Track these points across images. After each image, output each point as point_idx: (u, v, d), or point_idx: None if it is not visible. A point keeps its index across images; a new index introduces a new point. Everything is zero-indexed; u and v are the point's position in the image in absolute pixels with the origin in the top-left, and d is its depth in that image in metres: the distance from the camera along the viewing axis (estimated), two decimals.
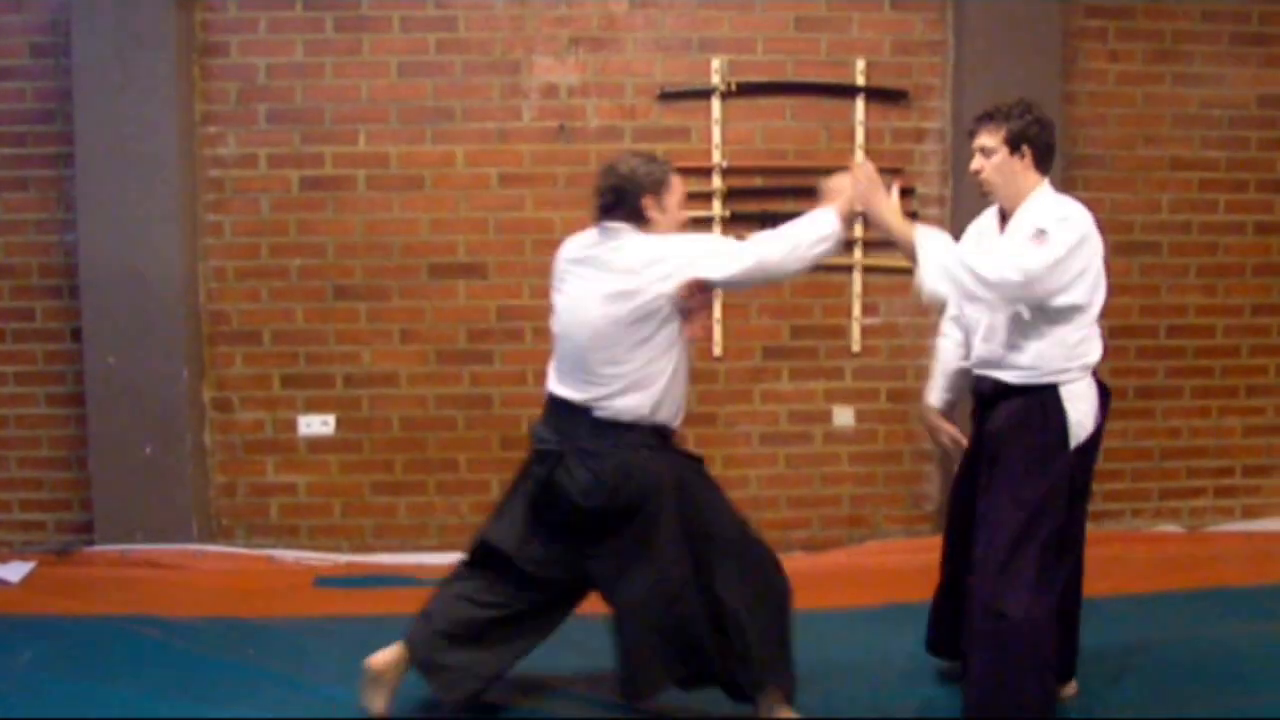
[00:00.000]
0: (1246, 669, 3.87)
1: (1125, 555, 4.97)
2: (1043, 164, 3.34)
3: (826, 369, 5.16)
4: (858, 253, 5.08)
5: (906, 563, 4.90)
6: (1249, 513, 5.42)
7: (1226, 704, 3.58)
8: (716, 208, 4.99)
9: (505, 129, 4.96)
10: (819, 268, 4.99)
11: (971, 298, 3.24)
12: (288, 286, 4.97)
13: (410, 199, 4.96)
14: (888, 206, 3.33)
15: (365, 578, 4.78)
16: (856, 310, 5.13)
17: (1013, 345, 3.30)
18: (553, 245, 4.97)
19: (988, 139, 3.31)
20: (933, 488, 5.25)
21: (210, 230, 4.94)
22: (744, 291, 5.06)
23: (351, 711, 3.50)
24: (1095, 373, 3.33)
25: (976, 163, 3.36)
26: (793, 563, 4.94)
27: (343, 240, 4.96)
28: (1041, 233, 3.16)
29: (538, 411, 5.08)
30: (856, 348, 5.16)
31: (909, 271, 5.00)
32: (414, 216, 4.96)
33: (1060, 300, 3.19)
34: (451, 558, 4.99)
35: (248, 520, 5.06)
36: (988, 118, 3.33)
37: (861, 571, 4.93)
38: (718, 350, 5.10)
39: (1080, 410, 3.26)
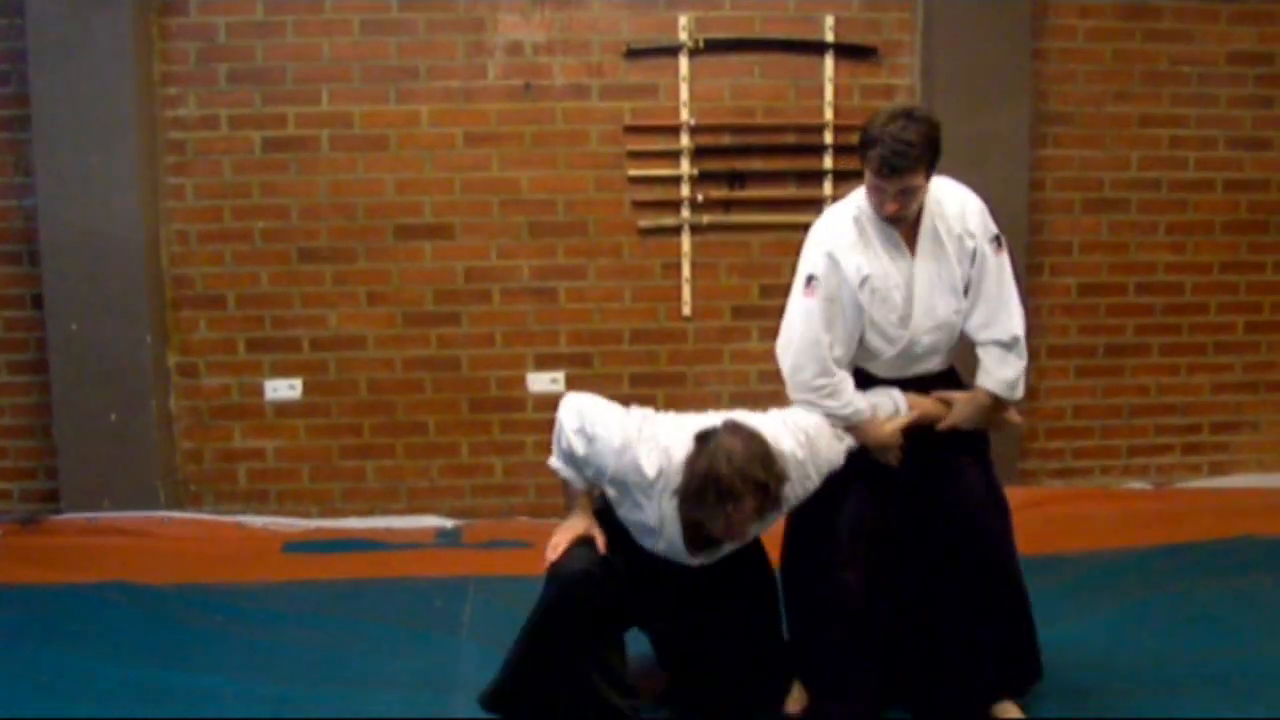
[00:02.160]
0: (1215, 622, 3.89)
1: (1093, 512, 5.00)
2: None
3: None
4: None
5: None
6: (1216, 469, 5.45)
7: (1196, 657, 3.60)
8: (684, 166, 4.95)
9: (470, 88, 4.89)
10: (786, 226, 5.07)
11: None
12: (252, 250, 4.90)
13: (375, 159, 4.89)
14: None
15: (334, 542, 4.76)
16: None
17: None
18: (520, 205, 5.01)
19: (912, 180, 2.99)
20: None
21: (172, 193, 4.86)
22: (712, 250, 5.05)
23: (319, 672, 3.50)
24: None
25: (894, 204, 3.02)
26: None
27: (307, 202, 4.89)
28: (997, 239, 3.20)
29: (506, 373, 5.11)
30: None
31: None
32: (379, 177, 4.90)
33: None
34: (421, 521, 5.05)
35: (215, 486, 5.02)
36: (904, 162, 2.93)
37: None
38: (687, 310, 5.08)
39: None
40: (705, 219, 5.00)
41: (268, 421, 4.99)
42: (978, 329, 3.24)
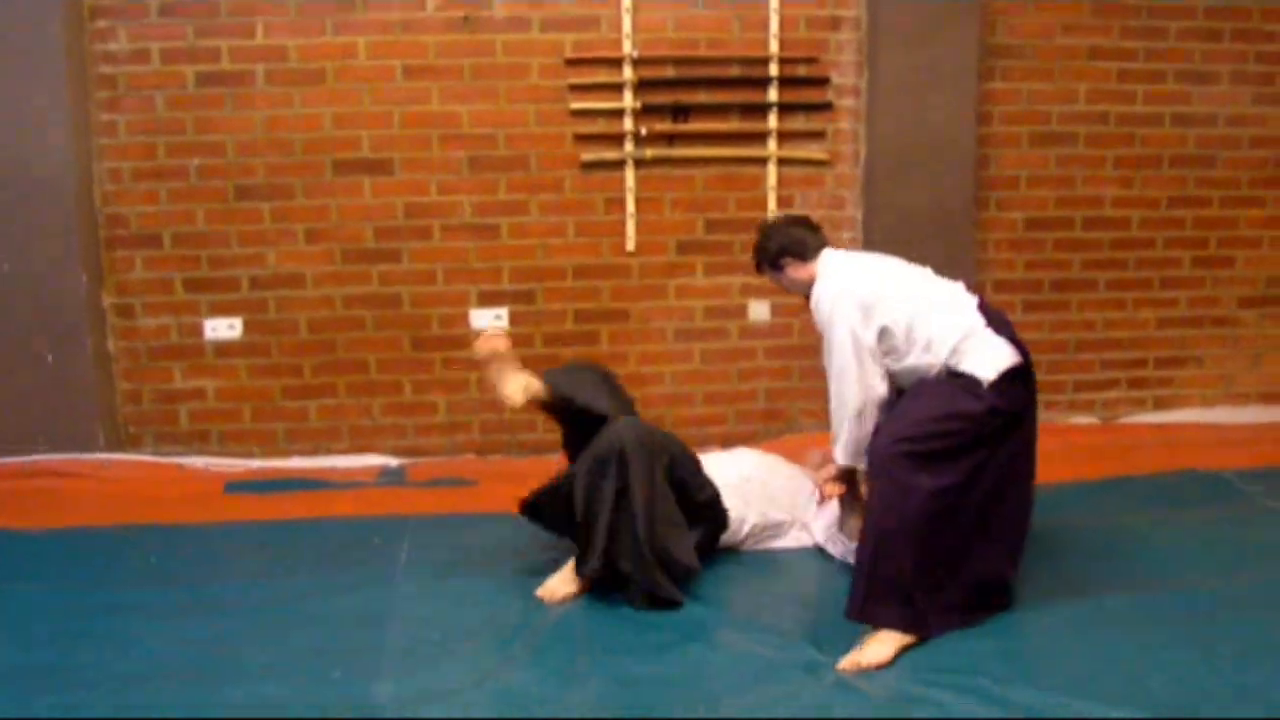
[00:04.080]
0: (1159, 554, 3.92)
1: (1040, 447, 4.98)
2: (804, 256, 3.80)
3: (741, 263, 5.07)
4: (772, 144, 5.00)
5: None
6: (1160, 404, 5.48)
7: (1140, 587, 3.64)
8: (627, 99, 4.88)
9: (408, 19, 4.78)
10: (731, 160, 5.03)
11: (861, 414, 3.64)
12: (187, 187, 4.81)
13: (311, 93, 4.79)
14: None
15: (277, 482, 4.72)
16: (771, 203, 5.06)
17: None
18: (460, 139, 4.94)
19: (764, 275, 3.97)
20: None
21: (104, 130, 4.75)
22: (655, 185, 4.99)
23: (253, 612, 3.49)
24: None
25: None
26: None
27: (242, 138, 4.79)
28: (824, 335, 3.68)
29: (448, 311, 5.06)
30: None
31: (824, 164, 5.06)
32: (316, 112, 4.80)
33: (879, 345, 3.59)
34: (364, 460, 5.02)
35: (156, 428, 4.96)
36: (754, 263, 3.97)
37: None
38: (630, 245, 5.03)
39: None
40: (649, 153, 4.94)
41: (208, 361, 4.93)
42: None
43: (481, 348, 3.78)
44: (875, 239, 4.88)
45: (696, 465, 3.79)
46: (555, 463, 5.01)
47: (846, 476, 3.81)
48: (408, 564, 3.86)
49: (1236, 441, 5.11)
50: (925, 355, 3.52)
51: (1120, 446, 5.10)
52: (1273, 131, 5.29)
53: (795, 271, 3.80)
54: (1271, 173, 5.33)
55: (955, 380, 3.49)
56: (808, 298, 3.75)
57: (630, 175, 4.96)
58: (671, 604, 3.50)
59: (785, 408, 5.26)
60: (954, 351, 3.49)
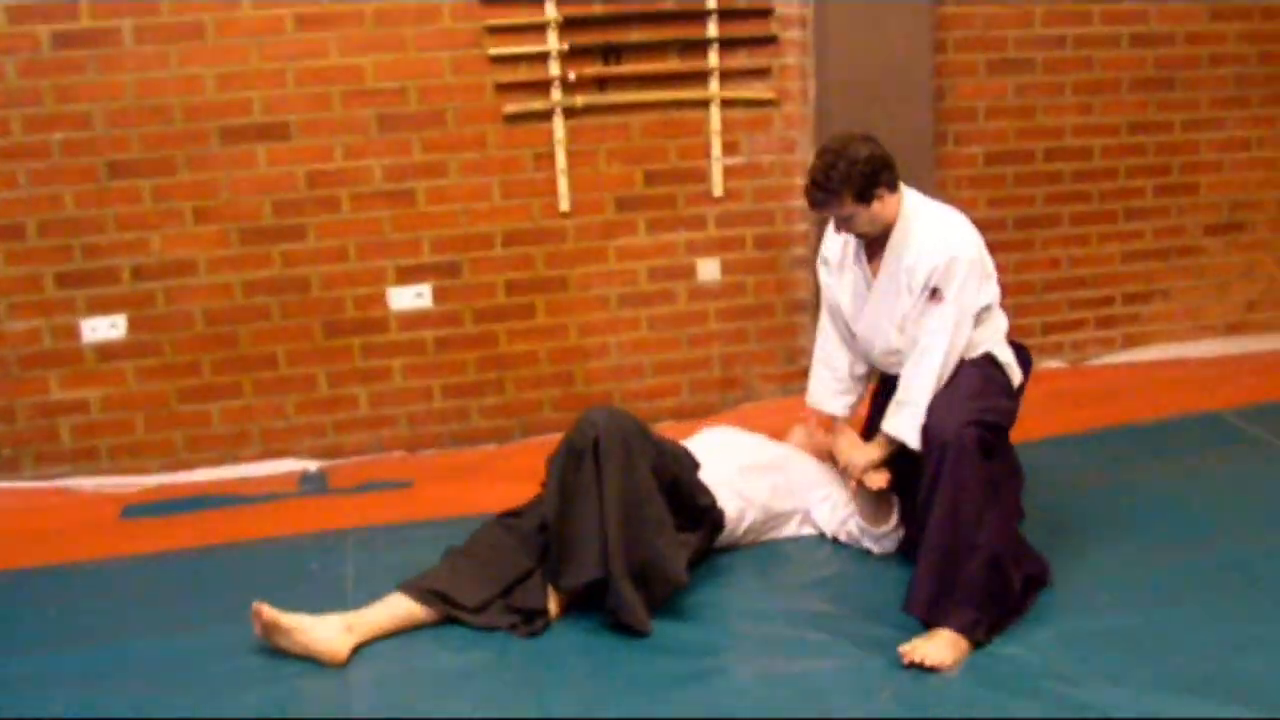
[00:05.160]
0: (1188, 510, 3.62)
1: None
2: (895, 185, 3.18)
3: (687, 218, 4.64)
4: (713, 84, 4.52)
5: (784, 424, 4.51)
6: (1129, 341, 5.21)
7: (1183, 551, 3.33)
8: (552, 41, 4.34)
9: None
10: (670, 103, 4.54)
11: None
12: (50, 167, 4.12)
13: (189, 51, 4.13)
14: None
15: (181, 501, 4.10)
16: (716, 149, 4.58)
17: None
18: (365, 96, 4.32)
19: (838, 211, 3.17)
20: (807, 340, 4.82)
21: None
22: (588, 135, 4.49)
23: (180, 671, 2.92)
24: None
25: (840, 227, 3.26)
26: (663, 433, 4.56)
27: (112, 106, 4.12)
28: (936, 292, 3.13)
29: (362, 291, 4.48)
30: (718, 191, 4.63)
31: (771, 103, 4.61)
32: (196, 72, 4.15)
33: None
34: (280, 466, 4.43)
35: (34, 447, 4.29)
36: (821, 197, 3.15)
37: None
38: (564, 205, 4.51)
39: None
40: (579, 100, 4.42)
41: (89, 367, 4.27)
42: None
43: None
44: None
45: (694, 463, 3.32)
46: (492, 453, 4.56)
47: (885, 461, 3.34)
48: (355, 593, 3.31)
49: (1218, 378, 4.84)
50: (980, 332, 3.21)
51: (1098, 391, 4.79)
52: (1231, 49, 5.00)
53: (884, 206, 3.16)
54: (1231, 92, 5.06)
55: (995, 368, 3.22)
56: (859, 238, 3.26)
57: (559, 126, 4.43)
58: (636, 631, 3.01)
59: (742, 374, 4.83)
60: (996, 342, 3.26)
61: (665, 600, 3.07)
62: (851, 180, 3.07)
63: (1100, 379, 4.92)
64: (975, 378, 3.15)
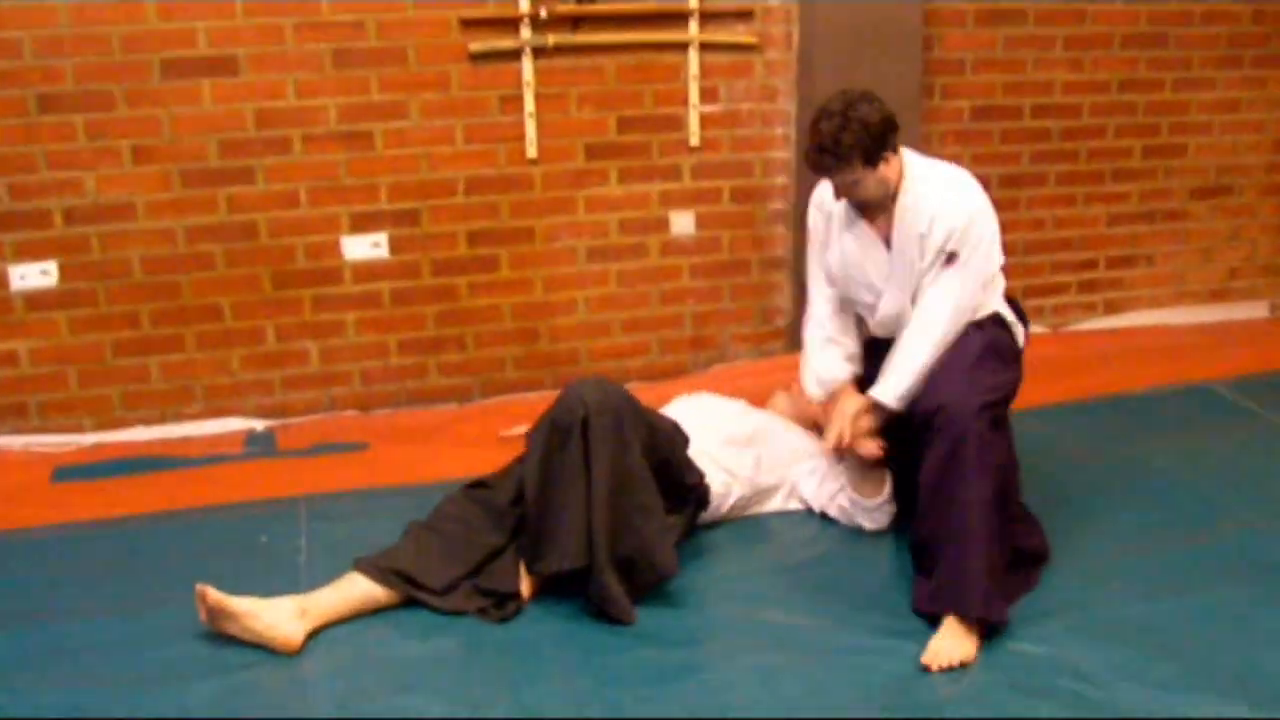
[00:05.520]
0: (1191, 491, 3.46)
1: None
2: (897, 146, 2.98)
3: (661, 168, 4.39)
4: (693, 26, 4.25)
5: (758, 387, 4.31)
6: (1110, 307, 5.06)
7: (1192, 535, 3.19)
8: (524, 3, 4.06)
9: None
10: (647, 45, 4.27)
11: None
12: None
13: None
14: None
15: (118, 463, 3.82)
16: (694, 96, 4.33)
17: None
18: (320, 29, 3.98)
19: (845, 176, 2.94)
20: (785, 299, 4.62)
21: None
22: (559, 77, 4.21)
23: (115, 663, 2.67)
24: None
25: (842, 193, 3.03)
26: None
27: (42, 34, 3.76)
28: (952, 256, 2.96)
29: (314, 239, 4.18)
30: (695, 141, 4.38)
31: (752, 48, 4.36)
32: None
33: None
34: (224, 425, 4.16)
35: None
36: (826, 161, 2.92)
37: None
38: (532, 151, 4.24)
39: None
40: (550, 39, 4.13)
41: (17, 317, 3.95)
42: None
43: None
44: None
45: (685, 439, 3.09)
46: (451, 413, 4.32)
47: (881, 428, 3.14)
48: (310, 569, 3.07)
49: (1204, 346, 4.73)
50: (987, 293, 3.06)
51: (1080, 359, 4.64)
52: (1225, 5, 4.81)
53: (889, 168, 2.96)
54: (1223, 51, 4.88)
55: (1002, 330, 3.06)
56: (861, 208, 3.04)
57: (528, 67, 4.15)
58: (620, 621, 2.80)
59: (715, 334, 4.60)
60: (999, 302, 3.13)
61: (652, 589, 2.86)
62: (861, 144, 2.86)
63: (1079, 345, 4.77)
64: (984, 345, 2.97)
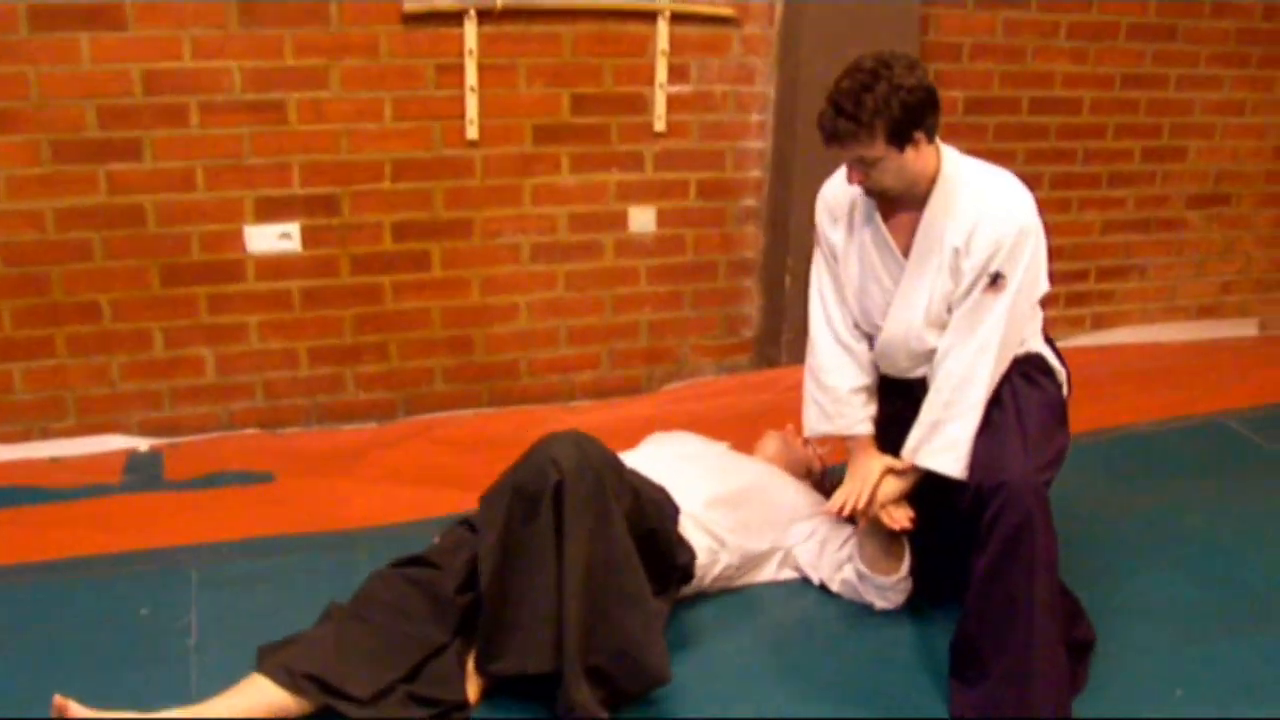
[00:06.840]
0: (1222, 552, 3.05)
1: None
2: (934, 134, 2.42)
3: (620, 155, 3.88)
4: None
5: (719, 410, 3.81)
6: (1098, 322, 4.73)
7: (1235, 614, 2.78)
8: None
9: None
10: (608, 12, 3.71)
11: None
12: None
13: None
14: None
15: None
16: (661, 74, 3.80)
17: None
18: None
19: (862, 151, 2.37)
20: (753, 308, 4.13)
21: None
22: (507, 46, 3.64)
23: None
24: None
25: (854, 174, 2.44)
26: (577, 415, 3.82)
27: None
28: (998, 278, 2.42)
29: (213, 228, 3.56)
30: (660, 126, 3.86)
31: (729, 21, 3.84)
32: None
33: None
34: (102, 443, 3.53)
35: None
36: (841, 127, 2.34)
37: (663, 423, 3.71)
38: (472, 132, 3.68)
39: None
40: (498, 1, 3.56)
41: None
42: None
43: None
44: (793, 123, 3.80)
45: (674, 509, 2.56)
46: (370, 433, 3.75)
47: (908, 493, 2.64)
48: (201, 655, 2.47)
49: (1200, 370, 4.40)
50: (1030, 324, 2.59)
51: (1074, 383, 4.20)
52: None
53: (918, 157, 2.39)
54: (1231, 48, 4.55)
55: (1047, 378, 2.61)
56: (875, 197, 2.49)
57: (472, 33, 3.58)
58: None
59: (674, 345, 4.11)
60: (1040, 339, 2.66)
61: (638, 698, 2.32)
62: (889, 110, 2.29)
63: (1072, 365, 4.27)
64: (1042, 403, 2.49)
